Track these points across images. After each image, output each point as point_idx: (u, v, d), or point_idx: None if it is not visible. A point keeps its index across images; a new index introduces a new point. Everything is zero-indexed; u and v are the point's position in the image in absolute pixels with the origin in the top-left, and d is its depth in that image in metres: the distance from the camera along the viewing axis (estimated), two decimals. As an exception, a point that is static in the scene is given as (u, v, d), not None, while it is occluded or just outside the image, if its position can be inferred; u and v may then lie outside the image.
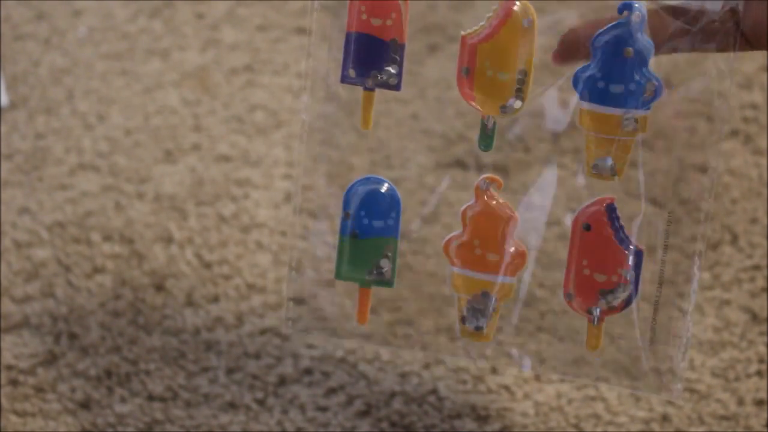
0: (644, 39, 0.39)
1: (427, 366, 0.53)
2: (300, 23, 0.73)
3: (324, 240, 0.47)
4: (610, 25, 0.39)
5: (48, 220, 0.61)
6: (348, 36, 0.42)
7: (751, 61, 0.67)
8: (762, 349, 0.53)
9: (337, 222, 0.44)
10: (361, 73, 0.43)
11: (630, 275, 0.41)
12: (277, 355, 0.54)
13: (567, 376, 0.50)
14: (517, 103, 0.40)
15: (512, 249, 0.42)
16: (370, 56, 0.42)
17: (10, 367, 0.53)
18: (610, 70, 0.39)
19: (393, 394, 0.52)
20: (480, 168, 0.59)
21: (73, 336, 0.55)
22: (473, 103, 0.41)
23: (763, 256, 0.58)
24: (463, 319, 0.43)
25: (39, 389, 0.53)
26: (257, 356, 0.54)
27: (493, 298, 0.42)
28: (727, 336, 0.54)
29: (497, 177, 0.41)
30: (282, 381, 0.53)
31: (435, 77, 0.69)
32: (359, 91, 0.71)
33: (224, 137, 0.65)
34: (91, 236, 0.60)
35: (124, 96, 0.69)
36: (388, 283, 0.42)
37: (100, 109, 0.68)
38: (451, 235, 0.43)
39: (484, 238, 0.41)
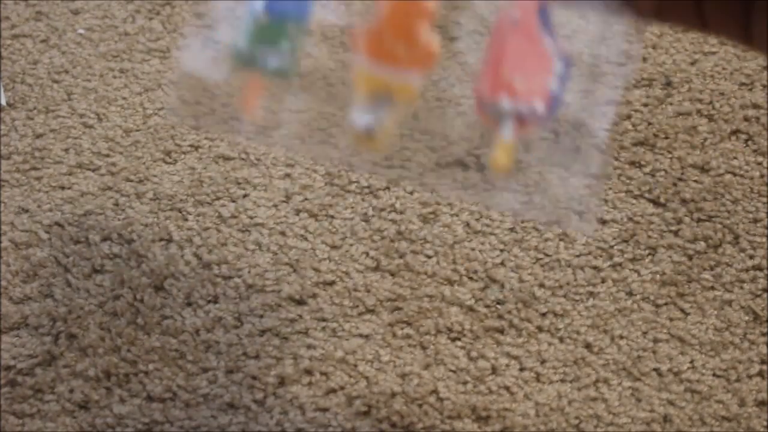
0: None
1: (427, 366, 0.53)
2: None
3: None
4: None
5: (47, 220, 0.61)
6: None
7: (752, 60, 0.67)
8: (764, 349, 0.53)
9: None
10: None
11: (554, 84, 0.37)
12: (277, 355, 0.53)
13: None
14: None
15: (424, 41, 0.37)
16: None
17: (8, 368, 0.53)
18: None
19: (393, 395, 0.52)
20: (480, 168, 0.59)
21: (71, 336, 0.55)
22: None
23: (764, 256, 0.58)
24: (356, 119, 0.38)
25: (37, 390, 0.52)
26: (257, 357, 0.53)
27: (393, 99, 0.38)
28: (729, 336, 0.54)
29: None
30: (282, 381, 0.52)
31: (435, 77, 0.68)
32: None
33: (223, 137, 0.65)
34: (90, 236, 0.59)
35: (122, 95, 0.68)
36: (284, 73, 0.39)
37: (98, 108, 0.68)
38: (364, 25, 0.39)
39: (396, 26, 0.37)
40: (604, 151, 0.39)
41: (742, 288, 0.56)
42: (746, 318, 0.55)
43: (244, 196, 0.61)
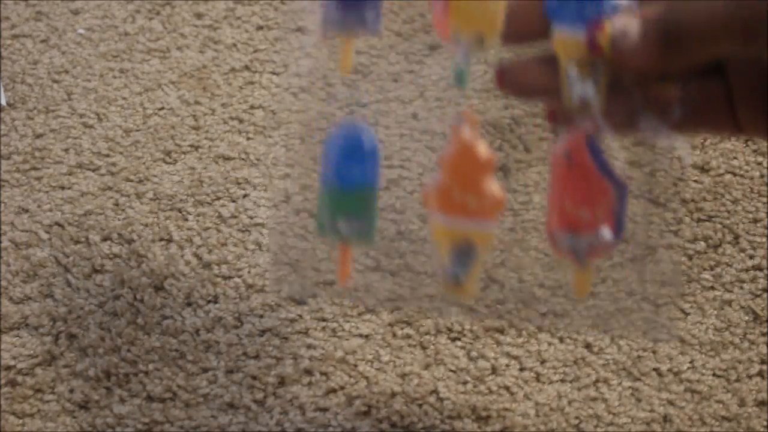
0: None
1: (427, 366, 0.53)
2: (300, 23, 0.73)
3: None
4: None
5: (47, 220, 0.61)
6: None
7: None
8: (764, 349, 0.53)
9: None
10: (342, 22, 0.42)
11: (615, 208, 0.39)
12: (277, 355, 0.53)
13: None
14: (491, 36, 0.39)
15: (491, 190, 0.40)
16: (350, 7, 0.42)
17: (8, 368, 0.53)
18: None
19: (393, 395, 0.52)
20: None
21: (71, 336, 0.55)
22: (447, 38, 0.40)
23: (764, 256, 0.58)
24: (444, 272, 0.40)
25: (37, 390, 0.52)
26: (257, 357, 0.53)
27: (475, 248, 0.40)
28: (729, 336, 0.54)
29: (473, 114, 0.40)
30: (282, 381, 0.52)
31: (435, 77, 0.69)
32: (360, 94, 0.71)
33: (223, 137, 0.65)
34: (90, 236, 0.59)
35: (122, 95, 0.68)
36: (368, 237, 0.41)
37: (98, 108, 0.68)
38: (430, 182, 0.41)
39: (462, 181, 0.40)
40: (672, 261, 0.42)
41: (742, 288, 0.56)
42: (746, 318, 0.55)
43: (245, 196, 0.62)
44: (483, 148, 0.40)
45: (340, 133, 0.42)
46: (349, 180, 0.41)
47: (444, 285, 0.41)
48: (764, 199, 0.61)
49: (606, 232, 0.39)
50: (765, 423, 0.50)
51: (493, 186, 0.40)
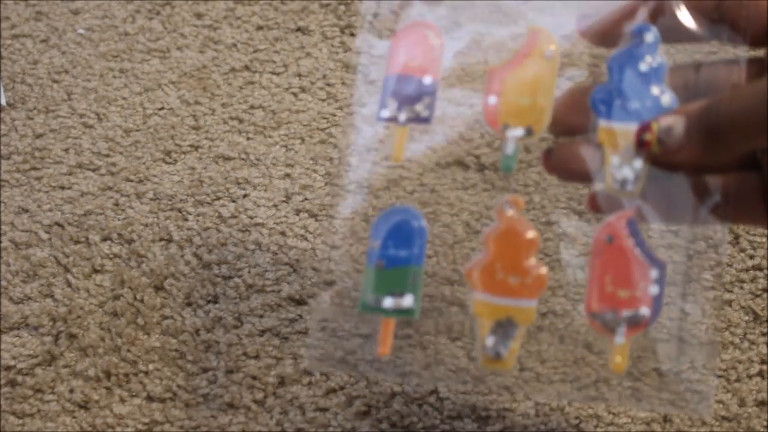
0: (659, 57, 0.41)
1: (427, 366, 0.53)
2: (300, 23, 0.73)
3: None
4: (625, 47, 0.41)
5: (47, 220, 0.61)
6: (385, 79, 0.44)
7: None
8: (763, 349, 0.53)
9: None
10: (397, 110, 0.44)
11: (654, 290, 0.42)
12: (277, 355, 0.53)
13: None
14: (539, 129, 0.42)
15: (534, 270, 0.42)
16: (405, 94, 0.44)
17: (8, 368, 0.53)
18: (625, 89, 0.41)
19: (393, 395, 0.52)
20: (480, 168, 0.59)
21: (72, 336, 0.55)
22: (497, 127, 0.42)
23: (764, 256, 0.58)
24: (484, 347, 0.42)
25: (37, 390, 0.52)
26: (257, 357, 0.53)
27: (516, 324, 0.42)
28: (729, 336, 0.54)
29: (519, 198, 0.42)
30: (282, 381, 0.52)
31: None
32: (360, 94, 0.71)
33: (223, 137, 0.65)
34: (90, 236, 0.59)
35: (122, 95, 0.68)
36: (411, 313, 0.43)
37: (98, 108, 0.68)
38: (474, 260, 0.43)
39: (506, 261, 0.42)
40: (709, 343, 0.43)
41: (742, 288, 0.56)
42: (746, 318, 0.55)
43: (244, 196, 0.61)
44: (528, 230, 0.42)
45: (389, 214, 0.44)
46: (397, 260, 0.43)
47: (483, 358, 0.42)
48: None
49: (644, 311, 0.42)
50: (765, 423, 0.50)
51: (537, 266, 0.42)
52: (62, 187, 0.63)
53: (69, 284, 0.57)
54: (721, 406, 0.51)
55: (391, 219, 0.43)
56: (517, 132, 0.42)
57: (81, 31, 0.73)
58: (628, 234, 0.41)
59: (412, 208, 0.44)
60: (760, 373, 0.52)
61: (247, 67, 0.70)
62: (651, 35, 0.41)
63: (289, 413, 0.51)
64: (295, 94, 0.68)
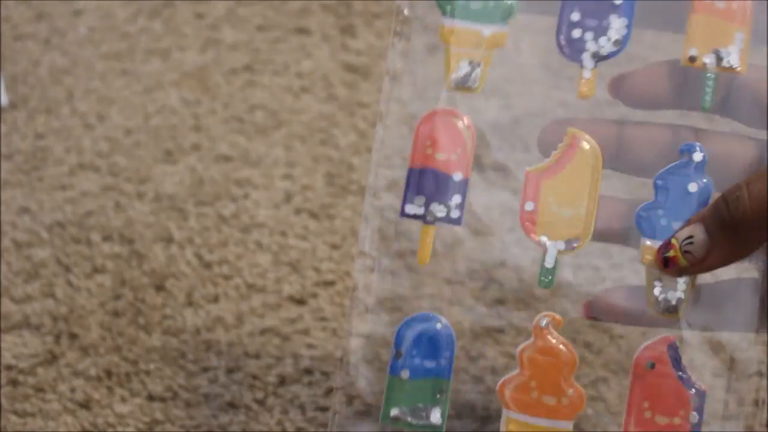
0: (706, 179, 0.40)
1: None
2: (300, 23, 0.73)
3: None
4: (671, 165, 0.40)
5: (48, 220, 0.61)
6: (409, 171, 0.42)
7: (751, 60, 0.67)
8: (762, 348, 0.53)
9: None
10: (424, 207, 0.41)
11: (693, 418, 0.41)
12: (277, 355, 0.53)
13: None
14: (583, 241, 0.41)
15: (571, 391, 0.40)
16: (433, 191, 0.41)
17: (9, 367, 0.53)
18: (672, 208, 0.40)
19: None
20: (481, 169, 0.59)
21: (73, 336, 0.55)
22: (535, 238, 0.41)
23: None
24: None
25: (39, 389, 0.53)
26: (257, 356, 0.54)
27: None
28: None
29: (557, 315, 0.41)
30: (282, 381, 0.52)
31: (435, 77, 0.69)
32: (360, 93, 0.71)
33: (224, 137, 0.65)
34: (90, 236, 0.60)
35: (123, 96, 0.68)
36: (438, 428, 0.41)
37: (100, 109, 0.68)
38: (507, 376, 0.41)
39: (541, 381, 0.40)
40: None
41: (741, 288, 0.56)
42: (746, 318, 0.55)
43: (245, 196, 0.62)
44: (566, 350, 0.40)
45: (414, 320, 0.42)
46: (422, 371, 0.41)
47: None
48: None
49: None
50: (764, 421, 0.50)
51: (574, 387, 0.40)
52: (63, 187, 0.63)
53: (70, 284, 0.57)
54: (721, 406, 0.51)
55: (417, 326, 0.41)
56: (559, 245, 0.40)
57: (82, 31, 0.73)
58: (669, 359, 0.41)
59: (439, 316, 0.42)
60: (758, 372, 0.52)
61: (247, 68, 0.70)
62: (699, 154, 0.40)
63: (290, 413, 0.51)
64: (295, 95, 0.68)
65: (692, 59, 0.40)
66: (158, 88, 0.69)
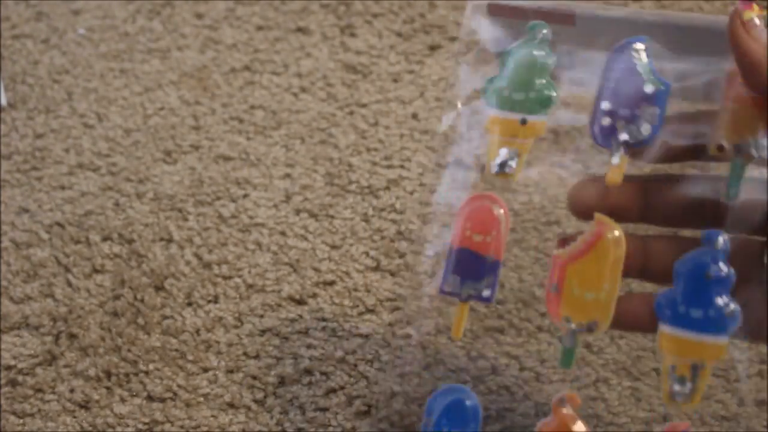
0: (727, 267, 0.40)
1: (427, 366, 0.53)
2: (300, 23, 0.73)
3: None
4: (693, 252, 0.41)
5: (47, 220, 0.61)
6: (450, 250, 0.44)
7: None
8: (763, 349, 0.53)
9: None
10: (459, 286, 0.44)
11: None
12: (277, 355, 0.53)
13: None
14: (603, 326, 0.42)
15: None
16: (469, 270, 0.44)
17: (9, 368, 0.53)
18: (690, 295, 0.40)
19: (393, 394, 0.52)
20: (481, 169, 0.59)
21: (72, 336, 0.55)
22: (558, 321, 0.42)
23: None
24: None
25: (38, 389, 0.53)
26: (257, 356, 0.53)
27: None
28: (728, 336, 0.54)
29: (576, 395, 0.42)
30: (282, 381, 0.52)
31: (435, 77, 0.69)
32: (360, 93, 0.71)
33: (224, 137, 0.65)
34: (90, 236, 0.60)
35: (123, 96, 0.68)
36: None
37: (99, 108, 0.68)
38: None
39: None
40: None
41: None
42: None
43: (245, 196, 0.62)
44: (581, 428, 0.42)
45: (444, 392, 0.44)
46: None
47: None
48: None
49: None
50: (765, 423, 0.50)
51: None
52: (63, 187, 0.63)
53: (69, 284, 0.57)
54: (721, 406, 0.51)
55: (447, 397, 0.44)
56: (579, 328, 0.42)
57: (81, 31, 0.73)
58: None
59: (467, 388, 0.44)
60: (759, 373, 0.52)
61: (247, 68, 0.70)
62: (721, 241, 0.40)
63: (289, 413, 0.51)
64: (295, 94, 0.68)
65: (720, 148, 0.41)
66: (157, 88, 0.69)
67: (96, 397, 0.52)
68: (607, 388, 0.52)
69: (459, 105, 0.47)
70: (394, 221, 0.60)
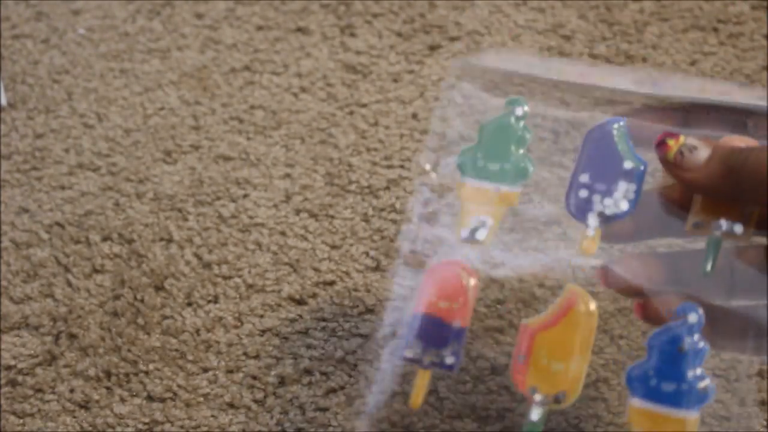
0: (700, 341, 0.40)
1: (427, 366, 0.53)
2: (300, 23, 0.73)
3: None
4: (666, 325, 0.41)
5: (47, 220, 0.61)
6: (414, 316, 0.43)
7: (751, 60, 0.67)
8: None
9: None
10: (421, 352, 0.43)
11: None
12: (277, 355, 0.53)
13: None
14: (571, 397, 0.41)
15: None
16: (432, 337, 0.43)
17: (9, 368, 0.53)
18: (663, 368, 0.40)
19: (393, 395, 0.52)
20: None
21: (72, 336, 0.55)
22: (524, 391, 0.41)
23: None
24: None
25: (38, 389, 0.53)
26: (257, 356, 0.53)
27: None
28: (728, 336, 0.54)
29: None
30: (282, 381, 0.52)
31: (435, 77, 0.69)
32: (360, 93, 0.71)
33: (224, 137, 0.65)
34: (90, 236, 0.60)
35: (123, 96, 0.68)
36: None
37: (99, 108, 0.68)
38: None
39: None
40: None
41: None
42: (746, 318, 0.55)
43: (245, 196, 0.62)
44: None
45: None
46: None
47: None
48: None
49: None
50: (765, 423, 0.50)
51: None
52: (62, 187, 0.63)
53: (69, 284, 0.57)
54: (721, 406, 0.51)
55: None
56: (546, 400, 0.41)
57: (81, 31, 0.73)
58: None
59: None
60: (759, 373, 0.52)
61: (247, 68, 0.70)
62: (695, 316, 0.40)
63: (289, 413, 0.51)
64: (295, 94, 0.68)
65: (697, 226, 0.41)
66: (157, 88, 0.69)
67: (96, 397, 0.52)
68: (607, 388, 0.52)
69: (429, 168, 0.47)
70: (394, 221, 0.60)
